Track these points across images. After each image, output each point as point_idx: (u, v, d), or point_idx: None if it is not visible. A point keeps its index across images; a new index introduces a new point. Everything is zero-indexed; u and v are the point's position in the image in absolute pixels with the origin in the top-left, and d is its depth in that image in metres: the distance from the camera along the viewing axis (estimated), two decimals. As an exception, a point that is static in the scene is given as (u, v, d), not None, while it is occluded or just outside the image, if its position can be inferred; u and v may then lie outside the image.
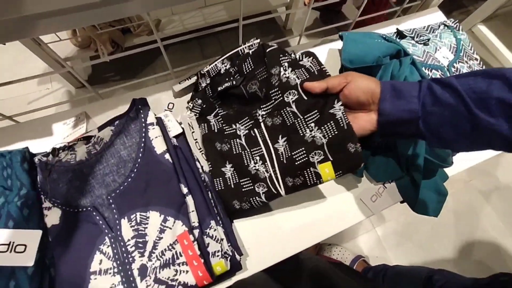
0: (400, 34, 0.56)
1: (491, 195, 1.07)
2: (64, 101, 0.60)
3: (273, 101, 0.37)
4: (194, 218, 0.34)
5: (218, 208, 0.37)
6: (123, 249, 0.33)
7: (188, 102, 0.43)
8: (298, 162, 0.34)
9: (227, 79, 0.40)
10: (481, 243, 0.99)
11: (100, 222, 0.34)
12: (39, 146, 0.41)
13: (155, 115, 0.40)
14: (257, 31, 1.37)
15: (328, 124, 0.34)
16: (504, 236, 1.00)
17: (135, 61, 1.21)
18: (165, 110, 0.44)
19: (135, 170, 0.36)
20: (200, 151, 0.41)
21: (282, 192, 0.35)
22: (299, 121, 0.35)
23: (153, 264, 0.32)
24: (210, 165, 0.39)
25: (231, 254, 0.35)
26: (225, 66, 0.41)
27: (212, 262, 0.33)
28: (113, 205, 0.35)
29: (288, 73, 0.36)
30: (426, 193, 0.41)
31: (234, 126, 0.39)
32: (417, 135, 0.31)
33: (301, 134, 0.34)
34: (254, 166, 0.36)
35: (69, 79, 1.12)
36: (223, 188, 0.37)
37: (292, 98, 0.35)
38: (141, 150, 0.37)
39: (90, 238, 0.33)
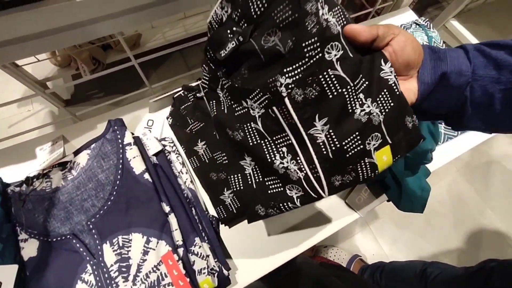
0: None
1: (479, 184, 1.10)
2: (44, 124, 0.59)
3: (306, 59, 0.22)
4: (178, 236, 0.34)
5: (203, 224, 0.37)
6: (106, 275, 0.32)
7: (167, 118, 0.43)
8: (350, 154, 0.23)
9: (229, 31, 0.24)
10: (473, 231, 1.01)
11: (81, 249, 0.33)
12: (13, 173, 0.40)
13: (133, 134, 0.39)
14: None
15: (383, 94, 0.24)
16: (494, 222, 1.02)
17: (118, 76, 1.20)
18: (144, 127, 0.44)
19: (114, 192, 0.35)
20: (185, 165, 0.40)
21: (326, 194, 0.25)
22: (350, 91, 0.23)
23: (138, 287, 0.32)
24: (226, 159, 0.32)
25: (218, 270, 0.34)
26: (226, 11, 0.24)
27: (198, 280, 0.33)
28: (93, 230, 0.34)
29: (326, 14, 0.23)
30: (409, 191, 0.42)
31: (244, 104, 0.26)
32: (461, 111, 0.25)
33: (351, 111, 0.23)
34: (282, 163, 0.25)
35: (51, 100, 1.10)
36: (242, 188, 0.29)
37: (336, 55, 0.23)
38: (119, 172, 0.36)
39: (71, 267, 0.32)
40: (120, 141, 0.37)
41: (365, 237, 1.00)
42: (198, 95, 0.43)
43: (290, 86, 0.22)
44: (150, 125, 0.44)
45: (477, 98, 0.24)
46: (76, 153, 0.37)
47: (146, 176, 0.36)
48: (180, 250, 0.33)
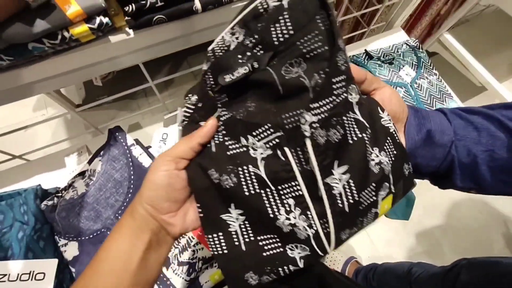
0: (368, 55, 0.62)
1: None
2: (67, 138, 0.64)
3: (334, 97, 0.20)
4: None
5: None
6: None
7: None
8: (363, 206, 0.21)
9: (240, 56, 0.20)
10: (462, 232, 1.06)
11: None
12: (48, 180, 0.46)
13: (150, 147, 0.45)
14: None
15: (388, 142, 0.23)
16: (482, 225, 1.07)
17: (128, 82, 1.26)
18: (159, 140, 0.49)
19: (132, 186, 0.42)
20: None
21: (330, 249, 0.21)
22: (368, 137, 0.21)
23: (173, 252, 0.39)
24: (200, 212, 0.23)
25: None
26: (237, 37, 0.20)
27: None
28: None
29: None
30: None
31: (244, 141, 0.21)
32: (449, 170, 0.25)
33: (368, 159, 0.21)
34: (288, 218, 0.21)
35: (64, 104, 1.16)
36: (226, 252, 0.23)
37: (355, 98, 0.21)
38: (131, 168, 0.43)
39: None
40: (124, 143, 0.44)
41: (361, 239, 1.05)
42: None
43: (314, 126, 0.19)
44: (165, 138, 0.49)
45: (463, 158, 0.24)
46: (90, 162, 0.44)
47: None
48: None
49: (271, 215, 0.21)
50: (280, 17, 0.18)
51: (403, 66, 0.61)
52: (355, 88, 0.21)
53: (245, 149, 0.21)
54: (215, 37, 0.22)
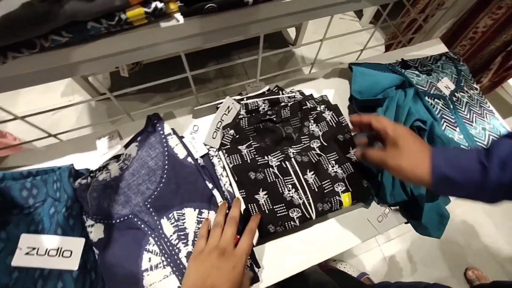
0: (404, 64, 0.60)
1: (498, 217, 1.08)
2: (100, 122, 0.65)
3: (302, 144, 0.47)
4: None
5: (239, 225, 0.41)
6: (168, 243, 0.38)
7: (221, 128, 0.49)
8: (326, 191, 0.43)
9: (263, 119, 0.48)
10: (483, 262, 1.00)
11: (142, 226, 0.39)
12: (79, 162, 0.46)
13: (183, 137, 0.45)
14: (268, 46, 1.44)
15: (346, 164, 0.45)
16: (502, 253, 1.00)
17: (153, 77, 1.29)
18: (191, 132, 0.49)
19: (165, 176, 0.42)
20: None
21: (313, 216, 0.41)
22: (323, 158, 0.46)
23: None
24: (243, 193, 0.42)
25: (249, 265, 0.39)
26: (265, 106, 0.49)
27: None
28: (151, 209, 0.40)
29: (313, 128, 0.49)
30: (429, 216, 0.44)
31: (266, 158, 0.45)
32: (482, 195, 0.28)
33: (325, 168, 0.45)
34: (289, 193, 0.42)
35: (90, 92, 1.20)
36: (257, 212, 0.41)
37: (316, 145, 0.48)
38: (166, 157, 0.42)
39: (135, 242, 0.39)
40: (161, 132, 0.44)
41: (375, 256, 1.01)
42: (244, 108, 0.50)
43: (294, 154, 0.46)
44: (196, 130, 0.49)
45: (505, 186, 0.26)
46: (126, 146, 0.44)
47: (189, 159, 0.42)
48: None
49: (281, 192, 0.43)
50: (286, 108, 0.49)
51: (442, 78, 0.58)
52: (318, 141, 0.48)
53: (266, 161, 0.45)
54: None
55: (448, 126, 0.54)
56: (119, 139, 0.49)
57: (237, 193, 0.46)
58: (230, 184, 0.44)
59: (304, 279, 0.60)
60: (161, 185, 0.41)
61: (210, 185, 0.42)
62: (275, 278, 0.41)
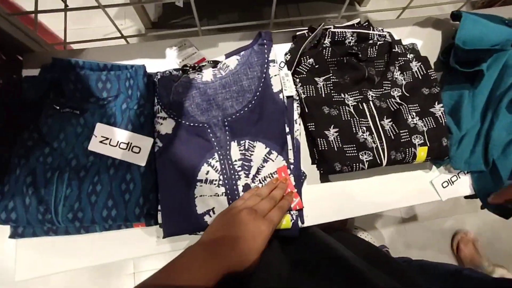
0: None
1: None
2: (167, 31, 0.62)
3: (383, 89, 0.44)
4: (291, 155, 0.38)
5: (294, 174, 0.40)
6: (231, 166, 0.38)
7: (285, 54, 0.44)
8: (403, 140, 0.40)
9: (349, 51, 0.44)
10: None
11: (213, 139, 0.39)
12: (149, 66, 0.44)
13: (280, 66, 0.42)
14: None
15: (429, 117, 0.42)
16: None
17: (211, 6, 1.21)
18: (280, 62, 0.44)
19: (253, 101, 0.40)
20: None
21: (384, 162, 0.39)
22: (403, 107, 0.42)
23: (256, 186, 0.37)
24: (312, 126, 0.40)
25: (294, 219, 0.37)
26: (353, 39, 0.45)
27: None
28: (227, 127, 0.39)
29: (398, 75, 0.45)
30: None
31: (342, 95, 0.42)
32: None
33: (405, 118, 0.41)
34: (363, 135, 0.40)
35: (142, 18, 1.17)
36: (326, 148, 0.39)
37: (396, 94, 0.44)
38: (261, 84, 0.40)
39: (200, 151, 0.38)
40: (266, 55, 0.40)
41: (397, 234, 1.00)
42: (323, 41, 0.45)
43: (373, 97, 0.43)
44: (282, 67, 0.44)
45: None
46: (227, 56, 0.41)
47: (281, 96, 0.39)
48: (292, 167, 0.38)
49: (354, 132, 0.40)
50: (374, 47, 0.45)
51: None
52: (398, 89, 0.44)
53: (342, 99, 0.43)
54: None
55: None
56: (194, 48, 0.46)
57: (304, 144, 0.43)
58: (300, 134, 0.42)
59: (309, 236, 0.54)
60: (246, 109, 0.39)
61: (287, 129, 0.39)
62: (315, 220, 0.41)
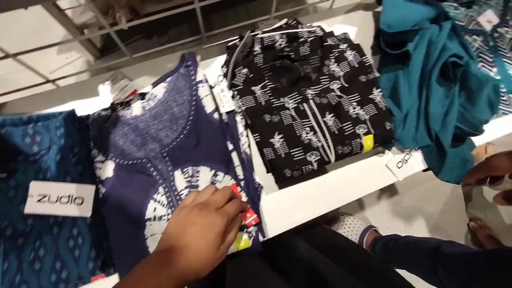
0: (442, -5, 0.52)
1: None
2: (84, 70, 0.59)
3: (321, 85, 0.43)
4: (240, 172, 0.37)
5: (249, 187, 0.39)
6: (177, 197, 0.37)
7: (222, 67, 0.43)
8: (347, 133, 0.40)
9: (280, 55, 0.44)
10: (496, 214, 1.01)
11: (154, 173, 0.38)
12: (81, 108, 0.43)
13: (212, 87, 0.40)
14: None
15: (369, 104, 0.42)
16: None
17: (153, 28, 1.18)
18: (215, 83, 0.43)
19: (188, 127, 0.39)
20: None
21: (332, 159, 0.39)
22: (343, 100, 0.42)
23: None
24: (257, 137, 0.40)
25: (254, 235, 0.36)
26: (283, 41, 0.44)
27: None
28: (166, 158, 0.38)
29: (334, 67, 0.44)
30: (452, 161, 0.42)
31: (282, 100, 0.42)
32: None
33: (346, 110, 0.41)
34: (307, 136, 0.40)
35: (89, 49, 1.12)
36: (274, 157, 0.39)
37: (336, 86, 0.43)
38: (192, 108, 0.39)
39: (144, 188, 0.37)
40: (193, 77, 0.39)
41: (382, 211, 1.02)
42: (255, 49, 0.44)
43: (313, 95, 0.43)
44: (220, 81, 0.43)
45: None
46: (154, 85, 0.40)
47: (216, 115, 0.38)
48: (242, 183, 0.37)
49: (298, 135, 0.40)
50: (305, 44, 0.45)
51: (485, 11, 0.50)
52: (338, 82, 0.44)
53: (282, 103, 0.42)
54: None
55: (485, 66, 0.48)
56: (127, 80, 0.44)
57: (254, 156, 0.42)
58: (249, 146, 0.41)
59: (290, 245, 0.49)
60: (182, 136, 0.38)
61: (230, 146, 0.38)
62: (286, 225, 0.40)
